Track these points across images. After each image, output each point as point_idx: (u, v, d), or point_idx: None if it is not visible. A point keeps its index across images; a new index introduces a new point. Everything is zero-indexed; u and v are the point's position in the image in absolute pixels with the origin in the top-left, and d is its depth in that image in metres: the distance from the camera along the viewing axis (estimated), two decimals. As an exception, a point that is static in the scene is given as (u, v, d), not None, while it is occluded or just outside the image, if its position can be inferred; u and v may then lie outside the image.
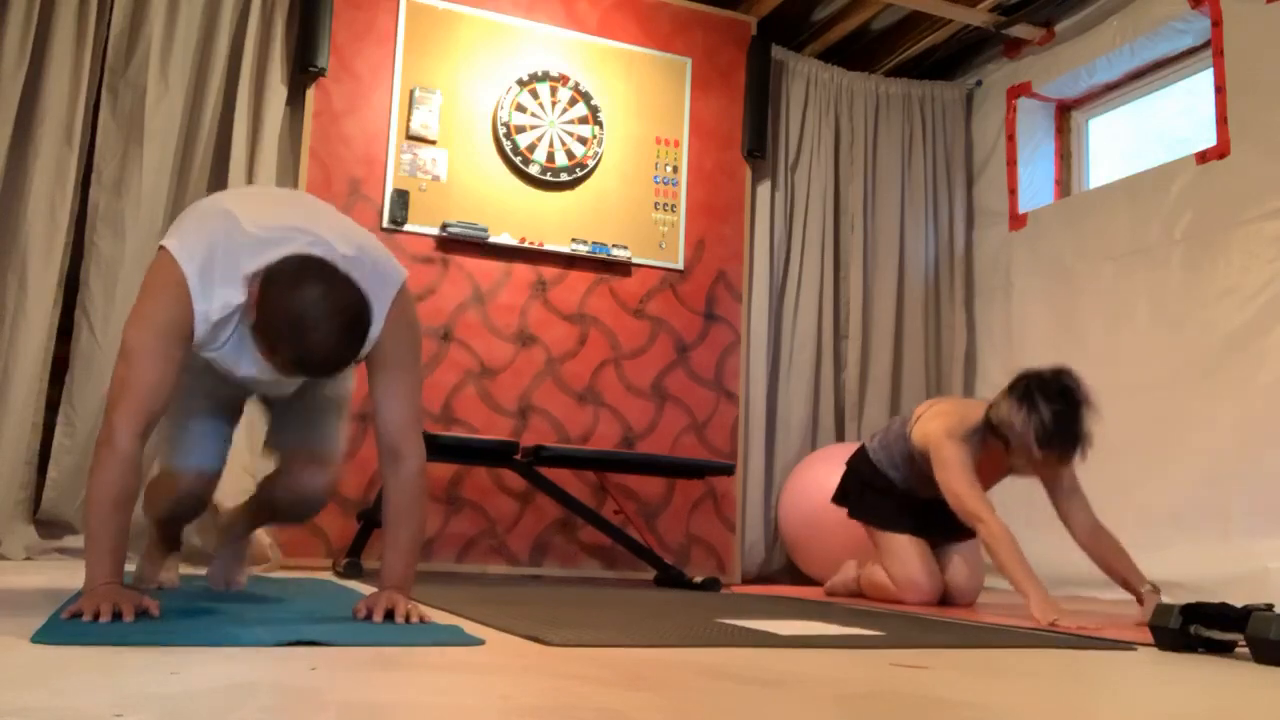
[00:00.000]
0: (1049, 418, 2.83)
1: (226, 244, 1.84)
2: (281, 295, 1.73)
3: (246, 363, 1.96)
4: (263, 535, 3.58)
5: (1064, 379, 2.90)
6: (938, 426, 3.12)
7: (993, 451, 3.06)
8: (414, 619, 1.88)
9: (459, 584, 3.28)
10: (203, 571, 2.63)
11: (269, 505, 2.39)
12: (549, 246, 4.30)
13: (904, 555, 3.31)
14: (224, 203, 1.93)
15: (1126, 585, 2.89)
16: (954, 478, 3.02)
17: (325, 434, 2.30)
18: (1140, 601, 2.83)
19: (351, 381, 2.40)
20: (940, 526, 3.29)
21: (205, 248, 1.84)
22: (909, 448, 3.29)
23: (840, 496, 3.57)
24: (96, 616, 1.64)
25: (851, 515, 3.51)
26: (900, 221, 5.02)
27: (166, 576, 2.51)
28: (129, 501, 1.81)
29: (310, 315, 1.71)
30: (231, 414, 2.34)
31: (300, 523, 2.61)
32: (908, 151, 5.10)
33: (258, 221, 1.87)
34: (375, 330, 1.92)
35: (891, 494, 3.38)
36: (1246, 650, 1.95)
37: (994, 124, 5.01)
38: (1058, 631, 2.42)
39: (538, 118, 4.35)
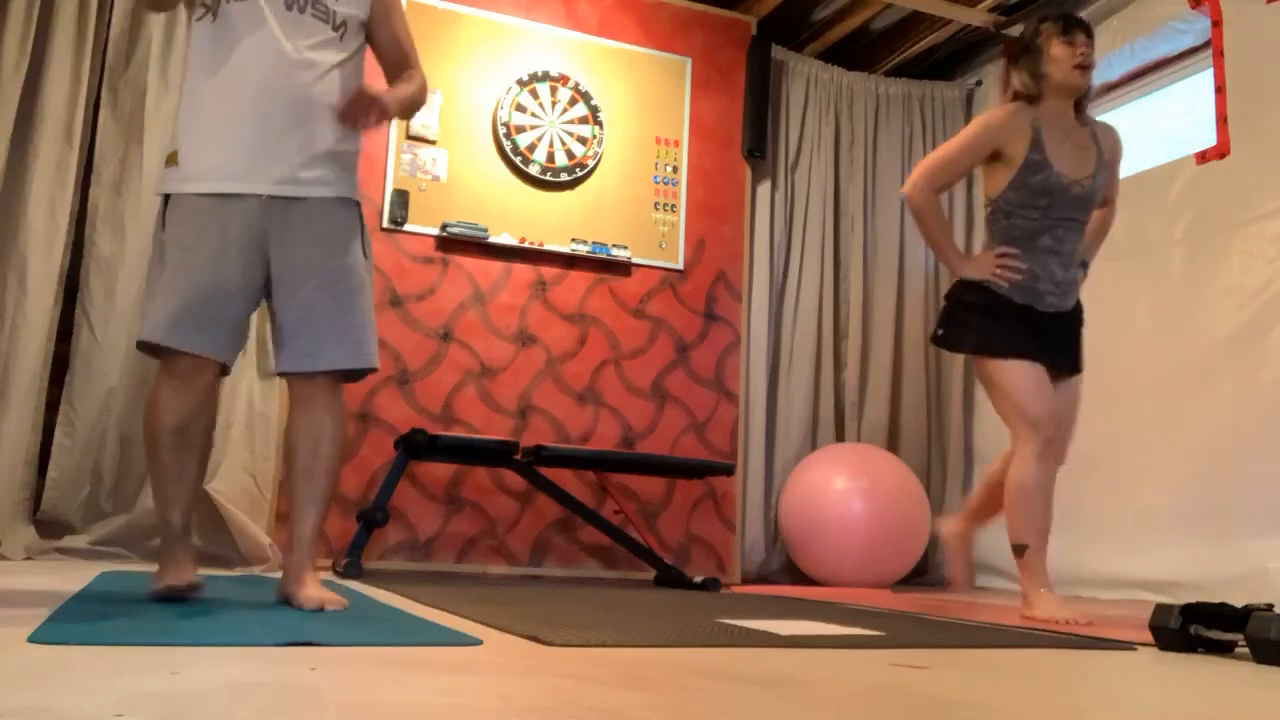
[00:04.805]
0: (1051, 15, 2.95)
1: None
2: None
3: None
4: (261, 535, 3.58)
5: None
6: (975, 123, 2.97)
7: (1051, 109, 2.91)
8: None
9: (459, 584, 3.28)
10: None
11: (309, 467, 2.27)
12: (549, 246, 4.30)
13: (1032, 384, 2.80)
14: None
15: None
16: (940, 148, 2.97)
17: (348, 326, 2.20)
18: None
19: (360, 254, 2.28)
20: (1060, 350, 2.90)
21: None
22: (989, 210, 2.98)
23: (941, 329, 3.02)
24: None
25: (957, 348, 3.02)
26: (900, 221, 5.02)
27: (183, 577, 2.15)
28: None
29: None
30: (242, 291, 2.17)
31: (330, 478, 2.32)
32: (908, 151, 5.10)
33: None
34: None
35: (1004, 311, 2.87)
36: (1246, 650, 1.95)
37: (994, 124, 5.00)
38: (1056, 632, 2.42)
39: (538, 118, 4.35)
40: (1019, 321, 2.85)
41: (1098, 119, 3.05)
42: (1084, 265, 3.04)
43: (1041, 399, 2.80)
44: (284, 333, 2.20)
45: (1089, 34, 2.91)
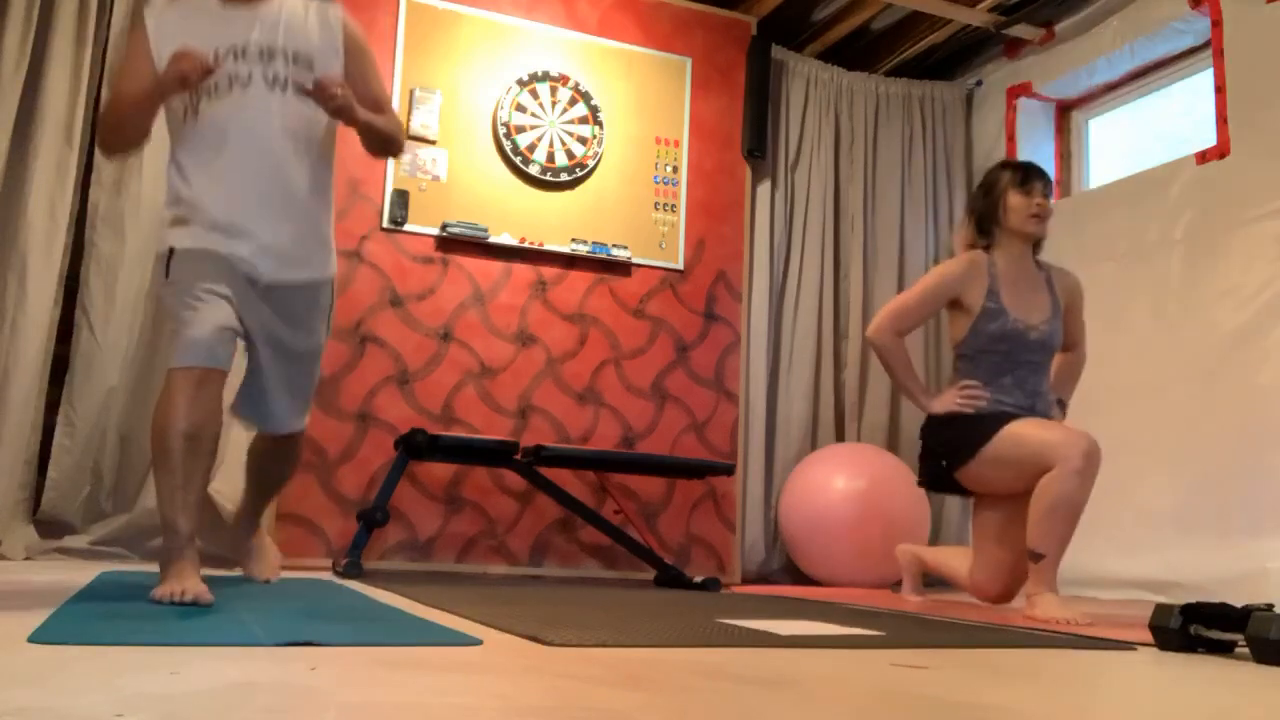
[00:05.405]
0: (1011, 164, 3.10)
1: None
2: None
3: (208, 22, 2.31)
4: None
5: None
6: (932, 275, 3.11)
7: (1007, 254, 3.04)
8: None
9: (459, 584, 3.28)
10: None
11: (260, 479, 2.72)
12: (549, 246, 4.30)
13: (1036, 426, 2.85)
14: None
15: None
16: (901, 295, 3.13)
17: (302, 403, 2.55)
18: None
19: (325, 331, 2.54)
20: None
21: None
22: (955, 354, 3.10)
23: (928, 466, 3.09)
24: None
25: (950, 474, 3.02)
26: (900, 221, 5.02)
27: (198, 587, 2.09)
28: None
29: None
30: (234, 312, 2.30)
31: (287, 480, 2.84)
32: (908, 151, 5.10)
33: None
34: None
35: (980, 415, 2.97)
36: (1246, 650, 1.95)
37: (994, 124, 5.01)
38: (1056, 632, 2.42)
39: (538, 118, 4.35)
40: (996, 415, 2.95)
41: (1055, 265, 3.17)
42: (1061, 404, 3.15)
43: (1056, 426, 2.86)
44: (251, 388, 2.48)
45: (1046, 184, 3.04)
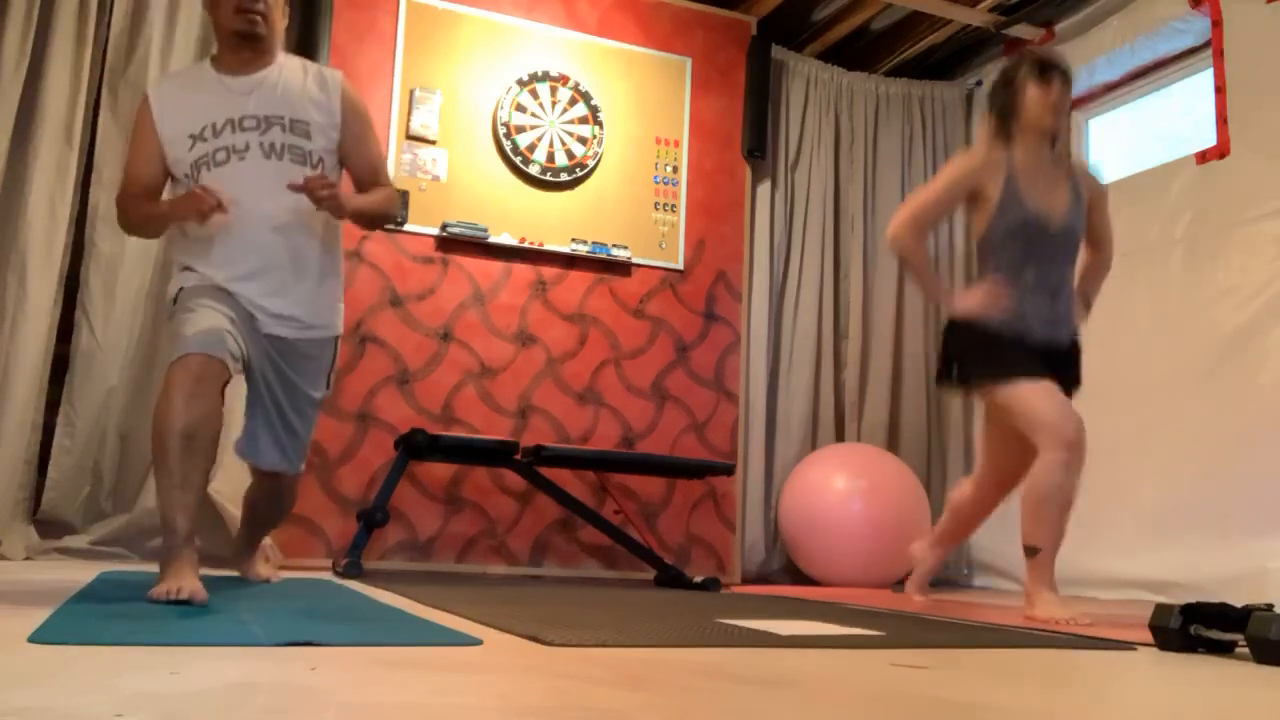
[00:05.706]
0: (1031, 56, 3.00)
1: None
2: None
3: (207, 95, 2.37)
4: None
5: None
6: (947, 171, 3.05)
7: (1025, 147, 2.98)
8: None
9: (459, 584, 3.28)
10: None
11: (253, 518, 2.79)
12: (549, 246, 4.30)
13: (1036, 396, 2.81)
14: None
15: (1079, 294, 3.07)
16: (919, 192, 3.05)
17: (297, 448, 2.56)
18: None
19: (326, 386, 2.58)
20: (1059, 370, 2.93)
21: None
22: (976, 251, 3.07)
23: (943, 368, 3.07)
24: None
25: (962, 382, 3.01)
26: (900, 221, 5.02)
27: (186, 586, 2.09)
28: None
29: None
30: (235, 326, 2.31)
31: (280, 521, 2.99)
32: (908, 151, 5.10)
33: None
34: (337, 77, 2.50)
35: (999, 342, 2.92)
36: (1246, 650, 1.95)
37: (994, 124, 5.00)
38: (1056, 632, 2.42)
39: (538, 118, 4.35)
40: (1015, 348, 2.90)
41: (1082, 162, 3.14)
42: (1086, 304, 3.11)
43: (1053, 403, 2.82)
44: (251, 428, 2.49)
45: (1065, 78, 2.98)
